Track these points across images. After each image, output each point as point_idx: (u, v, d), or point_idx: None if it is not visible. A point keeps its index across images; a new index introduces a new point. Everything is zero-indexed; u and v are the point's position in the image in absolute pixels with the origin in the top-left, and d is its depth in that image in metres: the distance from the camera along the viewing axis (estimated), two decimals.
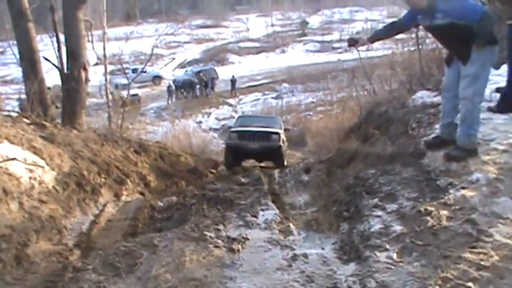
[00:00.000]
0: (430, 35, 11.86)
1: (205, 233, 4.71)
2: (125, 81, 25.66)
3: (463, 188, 4.81)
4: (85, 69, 12.26)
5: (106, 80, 21.53)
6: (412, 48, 14.74)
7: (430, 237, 4.14)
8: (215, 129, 35.51)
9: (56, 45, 12.97)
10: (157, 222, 5.78)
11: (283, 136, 17.94)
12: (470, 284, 3.42)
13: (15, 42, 12.98)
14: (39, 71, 12.03)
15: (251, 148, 16.71)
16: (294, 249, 4.51)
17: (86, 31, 13.92)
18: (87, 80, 12.49)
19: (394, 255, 4.01)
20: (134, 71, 34.49)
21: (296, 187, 6.80)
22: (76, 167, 6.72)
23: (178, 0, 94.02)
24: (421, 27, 6.66)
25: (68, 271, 4.14)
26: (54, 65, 12.69)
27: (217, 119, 38.67)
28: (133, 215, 5.99)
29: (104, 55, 20.79)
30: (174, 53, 69.69)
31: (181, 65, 64.04)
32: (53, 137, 7.34)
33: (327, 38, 70.50)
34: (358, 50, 21.85)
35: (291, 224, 5.15)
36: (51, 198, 5.69)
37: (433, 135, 6.11)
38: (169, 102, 43.52)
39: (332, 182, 6.67)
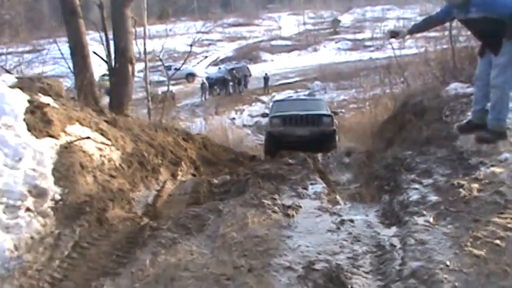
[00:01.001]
0: (463, 33, 12.34)
1: (263, 200, 5.34)
2: (158, 78, 26.26)
3: (492, 165, 5.37)
4: (132, 63, 12.89)
5: (146, 75, 22.11)
6: (445, 46, 15.11)
7: (462, 205, 4.71)
8: (249, 126, 35.91)
9: (104, 40, 13.61)
10: (216, 195, 6.39)
11: (335, 119, 15.65)
12: (497, 241, 3.97)
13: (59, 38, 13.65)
14: (89, 65, 12.66)
15: (300, 135, 14.37)
16: (341, 216, 5.11)
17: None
18: (133, 74, 13.14)
19: (431, 219, 4.60)
20: (168, 68, 35.18)
21: (339, 168, 7.36)
22: (137, 148, 7.39)
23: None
24: (455, 21, 7.11)
25: (146, 230, 4.82)
26: (103, 59, 13.35)
27: (250, 115, 39.02)
28: (193, 189, 6.60)
29: (145, 51, 21.40)
30: (206, 51, 70.17)
31: (214, 63, 64.61)
32: (115, 121, 8.04)
33: (359, 36, 70.43)
34: (392, 48, 22.27)
35: (337, 196, 5.74)
36: (119, 174, 6.36)
37: (465, 121, 6.61)
38: (203, 99, 44.03)
39: (372, 163, 7.23)
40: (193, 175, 8.47)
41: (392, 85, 21.29)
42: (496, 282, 3.49)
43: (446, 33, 14.39)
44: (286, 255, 4.25)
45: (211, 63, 65.05)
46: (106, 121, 7.70)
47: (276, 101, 22.36)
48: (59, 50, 17.86)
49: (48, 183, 5.18)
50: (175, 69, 28.10)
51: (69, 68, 13.03)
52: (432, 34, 18.80)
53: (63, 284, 4.07)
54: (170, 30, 30.89)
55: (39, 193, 5.01)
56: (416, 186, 5.41)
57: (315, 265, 4.03)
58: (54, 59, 20.18)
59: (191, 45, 23.66)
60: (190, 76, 52.34)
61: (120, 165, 6.57)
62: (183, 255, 4.30)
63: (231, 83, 46.94)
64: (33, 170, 5.25)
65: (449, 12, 6.12)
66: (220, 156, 11.57)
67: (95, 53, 13.27)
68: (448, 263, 3.81)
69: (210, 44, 72.67)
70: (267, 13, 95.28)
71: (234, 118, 38.25)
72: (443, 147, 6.36)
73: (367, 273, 3.99)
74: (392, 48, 22.83)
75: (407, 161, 6.31)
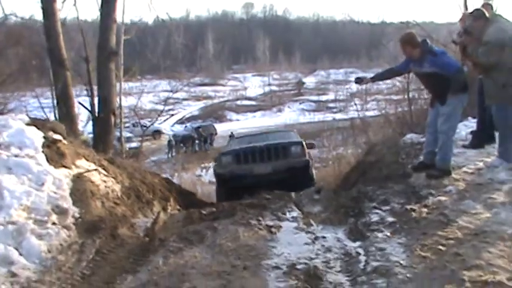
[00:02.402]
0: (421, 96, 13.75)
1: (250, 221, 6.35)
2: (125, 134, 27.06)
3: (439, 195, 6.48)
4: (114, 114, 13.86)
5: (121, 131, 22.83)
6: (406, 109, 16.44)
7: (413, 223, 5.81)
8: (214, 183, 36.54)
9: (89, 92, 14.61)
10: (207, 220, 7.34)
11: (308, 151, 12.76)
12: (440, 247, 5.02)
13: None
14: (74, 115, 13.63)
15: (259, 174, 11.40)
16: (315, 234, 6.12)
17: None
18: (115, 124, 14.12)
19: (388, 234, 5.69)
20: (135, 125, 36.07)
21: (311, 202, 8.31)
22: (133, 183, 8.35)
23: (177, 59, 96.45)
24: (412, 80, 8.48)
25: (156, 240, 5.80)
26: (87, 109, 14.35)
27: None
28: (185, 218, 7.53)
29: (120, 106, 22.24)
30: (172, 109, 71.46)
31: (181, 121, 65.86)
32: (113, 160, 9.02)
33: (323, 97, 72.56)
34: (357, 109, 23.60)
35: (311, 220, 6.76)
36: (121, 202, 7.32)
37: (418, 162, 7.81)
38: (170, 156, 44.89)
39: (339, 198, 8.31)
40: (179, 210, 9.42)
41: (356, 144, 22.57)
42: (437, 273, 4.52)
43: (406, 96, 15.76)
44: (273, 258, 5.27)
45: (177, 121, 66.26)
46: (106, 159, 8.68)
47: (233, 136, 20.18)
48: (39, 102, 18.87)
49: (67, 203, 6.17)
50: (143, 126, 28.97)
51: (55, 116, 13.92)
52: (394, 97, 20.26)
53: (92, 278, 5.02)
54: (142, 87, 31.78)
55: (61, 211, 5.98)
56: (377, 211, 6.50)
57: (297, 266, 5.04)
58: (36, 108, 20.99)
59: (164, 104, 24.72)
60: (156, 133, 53.33)
61: (121, 195, 7.53)
62: (189, 259, 5.30)
63: (197, 141, 48.03)
64: (54, 192, 6.23)
65: (407, 65, 7.40)
66: (196, 202, 12.45)
67: (80, 103, 14.26)
68: (401, 262, 4.85)
69: (176, 103, 74.00)
70: (233, 73, 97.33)
71: (200, 175, 39.08)
72: (399, 183, 7.47)
73: (338, 271, 4.98)
74: (356, 110, 24.40)
75: (369, 193, 7.42)
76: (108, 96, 13.68)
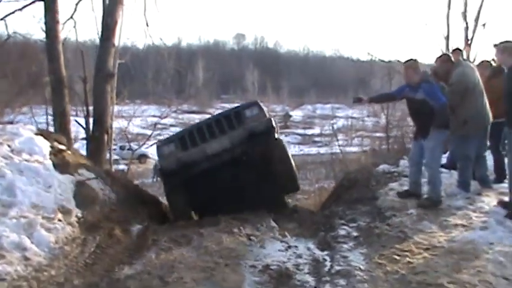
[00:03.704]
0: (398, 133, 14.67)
1: (233, 229, 7.16)
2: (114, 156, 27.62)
3: (401, 217, 7.33)
4: (107, 133, 14.57)
5: (110, 152, 23.46)
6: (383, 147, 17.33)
7: (375, 238, 6.67)
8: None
9: (85, 110, 15.32)
10: (194, 227, 8.11)
11: (269, 113, 10.84)
12: (395, 256, 5.86)
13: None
14: (69, 131, 14.32)
15: (215, 154, 9.08)
16: (288, 243, 6.93)
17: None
18: (108, 143, 14.84)
19: (352, 245, 6.53)
20: (122, 147, 36.69)
21: (287, 219, 9.04)
22: (127, 195, 9.16)
23: (166, 85, 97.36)
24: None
25: (149, 240, 6.61)
26: (82, 126, 15.04)
27: None
28: (174, 225, 8.35)
29: (111, 127, 22.95)
30: (160, 135, 71.86)
31: None
32: (110, 172, 9.87)
33: (309, 131, 73.31)
34: (338, 145, 24.46)
35: (286, 232, 7.55)
36: (117, 210, 8.12)
37: (405, 189, 8.49)
38: (155, 180, 45.24)
39: (314, 217, 9.16)
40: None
41: (337, 177, 23.31)
42: (390, 276, 5.35)
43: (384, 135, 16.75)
44: (250, 259, 6.10)
45: None
46: (103, 171, 9.49)
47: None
48: (34, 119, 19.59)
49: (71, 205, 7.02)
50: (131, 149, 29.54)
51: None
52: (378, 135, 21.24)
53: (94, 267, 5.86)
54: (132, 111, 32.37)
55: (66, 211, 6.81)
56: (344, 227, 7.35)
57: (270, 266, 5.87)
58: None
59: (153, 129, 25.31)
60: (142, 157, 53.76)
61: (117, 203, 8.31)
62: (178, 256, 6.13)
63: None
64: (60, 194, 7.05)
65: (401, 91, 8.14)
66: None
67: (76, 121, 14.97)
68: (361, 267, 5.69)
69: (163, 128, 74.53)
70: (221, 103, 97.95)
71: None
72: (367, 204, 8.31)
73: (306, 273, 5.79)
74: (339, 145, 25.33)
75: (339, 213, 8.28)
76: (102, 116, 14.29)
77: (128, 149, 31.37)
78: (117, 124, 24.36)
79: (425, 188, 8.02)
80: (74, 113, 16.74)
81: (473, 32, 20.28)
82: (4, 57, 17.07)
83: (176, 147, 9.35)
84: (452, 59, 8.39)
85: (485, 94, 8.08)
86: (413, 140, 8.45)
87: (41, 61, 15.01)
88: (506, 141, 7.16)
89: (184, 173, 9.02)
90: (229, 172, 9.17)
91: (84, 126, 14.97)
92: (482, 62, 9.40)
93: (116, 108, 33.03)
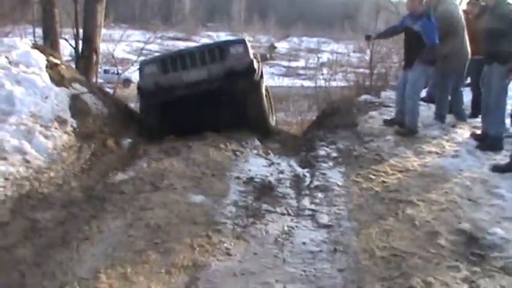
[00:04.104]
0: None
1: (219, 144, 7.56)
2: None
3: (378, 142, 7.77)
4: (96, 53, 14.77)
5: (96, 75, 23.56)
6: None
7: (353, 159, 7.14)
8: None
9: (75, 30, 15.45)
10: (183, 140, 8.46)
11: (255, 53, 10.30)
12: (371, 176, 6.33)
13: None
14: (59, 50, 14.49)
15: (191, 83, 8.95)
16: (271, 160, 7.37)
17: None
18: (97, 62, 15.03)
19: (331, 164, 7.01)
20: (106, 71, 36.65)
21: (271, 141, 9.28)
22: (118, 110, 9.32)
23: (153, 10, 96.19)
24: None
25: (140, 151, 7.03)
26: (71, 45, 15.23)
27: None
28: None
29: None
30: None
31: None
32: (102, 88, 10.26)
33: (293, 64, 73.24)
34: (323, 78, 24.68)
35: (269, 151, 7.98)
36: (109, 123, 8.38)
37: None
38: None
39: (296, 139, 9.65)
40: None
41: (320, 110, 23.59)
42: (365, 192, 5.83)
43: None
44: (236, 172, 6.56)
45: None
46: (96, 87, 9.81)
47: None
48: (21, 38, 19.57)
49: (67, 115, 7.35)
50: (114, 73, 29.57)
51: None
52: (361, 70, 21.42)
53: (90, 172, 6.29)
54: (110, 35, 32.19)
55: (61, 121, 7.14)
56: (325, 148, 7.81)
57: (254, 179, 6.32)
58: None
59: (139, 55, 25.29)
60: (126, 82, 53.68)
61: (108, 117, 8.62)
62: (168, 165, 6.56)
63: None
64: (57, 105, 7.37)
65: (402, 23, 8.34)
66: None
67: (65, 39, 15.14)
68: (338, 183, 6.18)
69: (148, 54, 73.96)
70: (206, 31, 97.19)
71: None
72: (348, 130, 8.72)
73: (287, 186, 6.24)
74: (324, 79, 25.53)
75: (320, 136, 8.75)
76: (92, 35, 14.44)
77: (113, 73, 31.39)
78: (103, 47, 24.35)
79: None
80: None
81: None
82: None
83: (157, 69, 9.26)
84: None
85: (465, 31, 8.44)
86: (402, 69, 8.76)
87: None
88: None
89: (161, 96, 9.02)
90: (204, 103, 9.22)
91: (74, 46, 15.17)
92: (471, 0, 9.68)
93: (102, 31, 32.92)
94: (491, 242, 4.51)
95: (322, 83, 26.64)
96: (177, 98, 8.94)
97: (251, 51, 9.59)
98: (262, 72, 9.80)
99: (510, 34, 6.91)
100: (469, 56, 8.42)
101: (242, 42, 9.59)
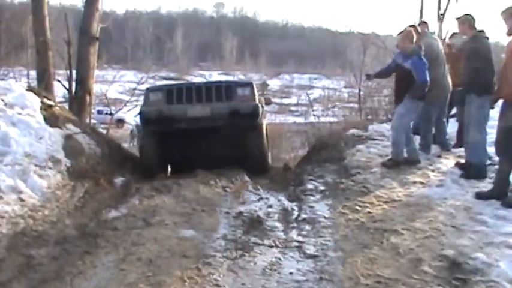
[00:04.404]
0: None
1: (209, 181, 7.80)
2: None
3: (365, 174, 7.96)
4: (90, 94, 15.00)
5: (90, 115, 23.80)
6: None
7: (340, 192, 7.33)
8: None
9: (68, 72, 15.72)
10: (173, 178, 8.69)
11: (260, 97, 10.39)
12: (357, 207, 6.51)
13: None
14: (53, 92, 14.72)
15: (195, 118, 9.03)
16: (260, 195, 7.57)
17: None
18: (90, 104, 15.26)
19: (318, 197, 7.19)
20: (99, 112, 36.91)
21: (260, 176, 9.61)
22: (110, 150, 9.60)
23: (145, 51, 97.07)
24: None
25: (132, 188, 7.22)
26: (65, 87, 15.45)
27: None
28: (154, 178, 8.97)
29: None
30: (137, 100, 71.63)
31: None
32: (95, 129, 10.54)
33: (285, 101, 73.74)
34: (314, 115, 24.97)
35: (258, 186, 8.18)
36: (102, 163, 8.64)
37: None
38: (132, 145, 45.59)
39: (285, 174, 9.87)
40: None
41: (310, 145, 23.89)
42: (350, 223, 6.01)
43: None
44: (225, 207, 6.77)
45: None
46: (89, 127, 10.05)
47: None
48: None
49: (61, 155, 7.58)
50: (107, 113, 29.78)
51: None
52: (351, 105, 21.87)
53: (83, 209, 6.50)
54: (102, 76, 32.51)
55: (55, 160, 7.36)
56: (313, 182, 7.99)
57: (243, 213, 6.50)
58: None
59: (132, 95, 25.60)
60: (120, 122, 53.87)
61: (101, 157, 8.84)
62: (159, 202, 6.78)
63: None
64: (51, 146, 7.60)
65: (395, 61, 8.56)
66: None
67: (59, 81, 15.38)
68: (325, 215, 6.37)
69: (141, 94, 74.10)
70: (199, 70, 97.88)
71: None
72: (335, 164, 8.92)
73: (275, 220, 6.42)
74: (315, 115, 25.94)
75: (309, 170, 8.93)
76: (86, 77, 14.67)
77: (106, 113, 31.60)
78: (96, 88, 24.59)
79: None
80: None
81: (446, 6, 20.80)
82: None
83: (162, 97, 9.32)
84: (420, 30, 9.02)
85: (446, 64, 8.76)
86: (395, 103, 8.92)
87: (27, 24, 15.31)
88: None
89: (162, 125, 9.06)
90: (204, 137, 9.27)
91: (67, 87, 15.40)
92: (454, 34, 10.02)
93: (95, 72, 33.24)
94: (473, 266, 4.66)
95: (312, 119, 26.94)
96: (178, 130, 9.01)
97: (257, 95, 9.72)
98: (265, 114, 10.10)
99: (486, 66, 7.24)
100: (450, 87, 8.72)
101: (249, 85, 9.73)
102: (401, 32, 8.80)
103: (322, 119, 28.22)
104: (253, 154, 9.52)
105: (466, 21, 7.70)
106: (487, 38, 7.57)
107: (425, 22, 10.72)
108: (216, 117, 9.02)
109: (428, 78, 8.00)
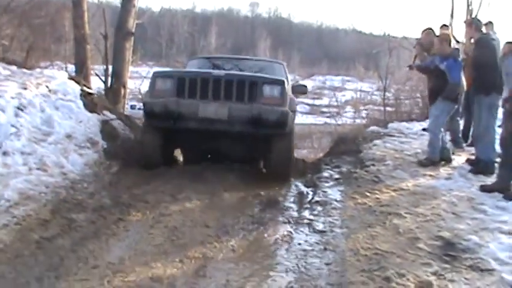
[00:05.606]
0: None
1: (233, 167, 8.53)
2: None
3: (378, 166, 8.52)
4: (124, 87, 15.63)
5: (123, 108, 24.49)
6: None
7: (353, 180, 7.92)
8: None
9: (105, 65, 16.41)
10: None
11: (291, 96, 8.44)
12: (367, 193, 7.07)
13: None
14: (90, 83, 15.42)
15: (207, 119, 7.63)
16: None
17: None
18: (125, 96, 15.92)
19: (332, 184, 7.81)
20: (132, 107, 37.78)
21: None
22: None
23: (179, 48, 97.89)
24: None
25: (147, 180, 7.81)
26: (101, 79, 16.14)
27: None
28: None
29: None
30: None
31: None
32: (129, 117, 11.26)
33: (317, 102, 73.76)
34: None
35: None
36: (135, 146, 9.36)
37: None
38: None
39: (304, 164, 10.51)
40: None
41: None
42: (359, 207, 6.60)
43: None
44: (246, 191, 7.44)
45: None
46: (124, 115, 10.80)
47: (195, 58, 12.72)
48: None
49: (98, 138, 8.39)
50: (140, 109, 30.41)
51: None
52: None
53: (117, 185, 7.20)
54: (137, 72, 33.11)
55: (93, 142, 8.16)
56: (329, 171, 8.65)
57: (261, 194, 7.14)
58: None
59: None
60: None
61: (134, 142, 9.52)
62: (185, 182, 7.45)
63: None
64: (89, 129, 8.36)
65: (433, 61, 8.73)
66: None
67: (96, 74, 16.09)
68: (336, 199, 6.98)
69: None
70: None
71: None
72: (352, 156, 9.54)
73: (291, 202, 7.05)
74: (345, 117, 26.37)
75: (326, 161, 9.60)
76: (121, 71, 15.31)
77: (139, 109, 32.42)
78: (130, 84, 25.20)
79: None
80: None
81: (478, 10, 20.97)
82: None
83: (171, 87, 7.79)
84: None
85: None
86: (429, 105, 9.28)
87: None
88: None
89: (167, 123, 7.79)
90: (219, 140, 8.25)
91: (103, 80, 16.09)
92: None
93: (130, 68, 33.91)
94: (465, 246, 5.14)
95: (344, 120, 27.31)
96: (184, 130, 8.00)
97: (288, 95, 8.13)
98: (295, 111, 8.62)
99: (492, 66, 7.67)
100: (465, 88, 9.10)
101: (280, 83, 7.94)
102: (424, 30, 9.24)
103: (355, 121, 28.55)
104: (276, 165, 8.18)
105: (473, 24, 8.18)
106: (493, 39, 8.03)
107: (445, 25, 11.14)
108: (233, 121, 7.63)
109: (460, 81, 8.39)
